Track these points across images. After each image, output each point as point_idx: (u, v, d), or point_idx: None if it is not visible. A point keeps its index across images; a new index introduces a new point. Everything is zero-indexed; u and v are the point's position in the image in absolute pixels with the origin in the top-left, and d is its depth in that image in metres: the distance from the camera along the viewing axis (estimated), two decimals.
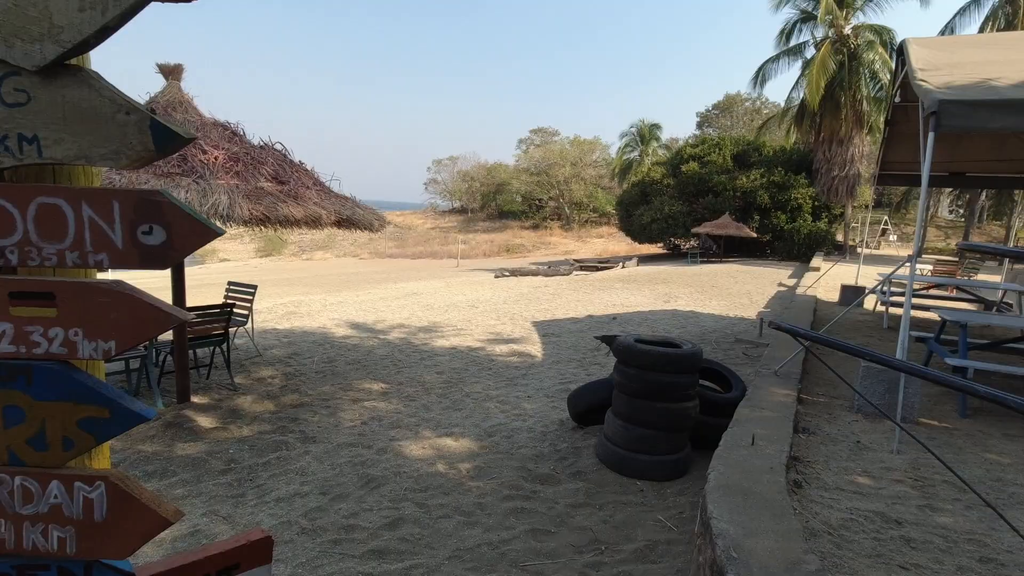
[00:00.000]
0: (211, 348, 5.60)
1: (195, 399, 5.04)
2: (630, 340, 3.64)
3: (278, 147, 5.13)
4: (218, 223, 4.39)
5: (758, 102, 50.16)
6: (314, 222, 4.77)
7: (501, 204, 54.55)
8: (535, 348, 7.62)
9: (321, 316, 9.68)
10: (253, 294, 6.63)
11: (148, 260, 0.92)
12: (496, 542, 2.96)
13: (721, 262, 22.56)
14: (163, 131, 0.88)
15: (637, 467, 3.56)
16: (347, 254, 39.60)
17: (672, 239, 29.11)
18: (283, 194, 4.74)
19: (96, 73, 0.89)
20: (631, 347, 3.58)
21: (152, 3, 0.85)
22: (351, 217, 4.86)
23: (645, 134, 44.80)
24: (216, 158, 4.59)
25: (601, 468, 3.72)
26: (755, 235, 24.38)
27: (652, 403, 3.53)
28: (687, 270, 19.26)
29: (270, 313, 9.83)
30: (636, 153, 44.85)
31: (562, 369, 6.50)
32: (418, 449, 4.17)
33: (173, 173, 4.35)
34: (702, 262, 22.78)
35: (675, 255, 29.05)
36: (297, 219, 4.71)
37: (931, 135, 3.94)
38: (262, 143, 5.08)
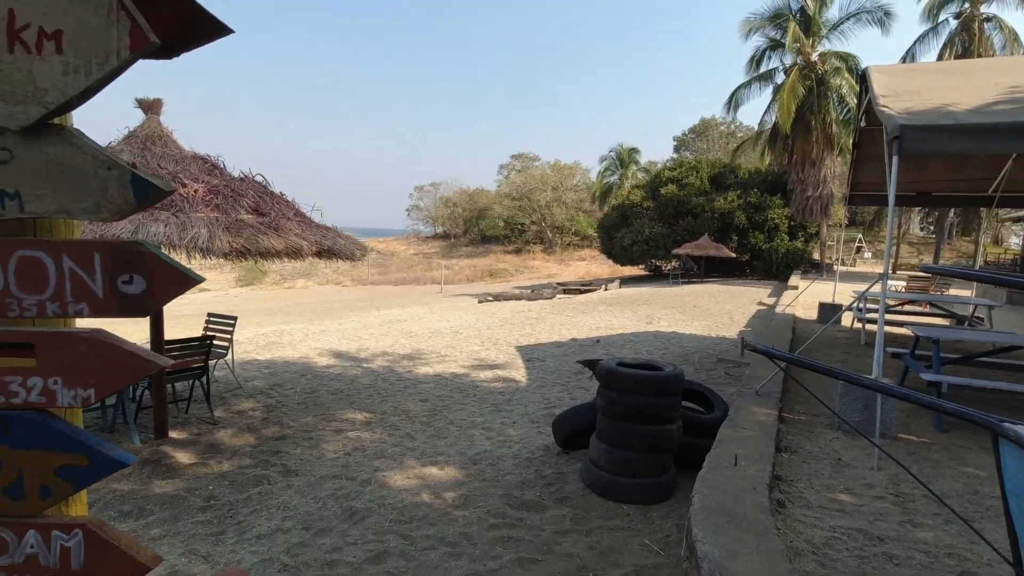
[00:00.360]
0: (190, 381, 5.51)
1: (173, 434, 4.94)
2: (612, 364, 3.67)
3: (258, 179, 5.15)
4: (198, 256, 4.37)
5: (732, 126, 51.52)
6: (295, 253, 4.77)
7: (484, 229, 54.94)
8: (519, 373, 7.62)
9: (303, 345, 9.58)
10: (233, 325, 6.56)
11: (128, 309, 0.94)
12: (482, 572, 2.94)
13: (702, 282, 22.83)
14: (144, 184, 0.91)
15: (622, 491, 3.56)
16: (329, 282, 39.38)
17: (653, 260, 29.46)
18: (263, 226, 4.74)
19: (78, 131, 0.92)
20: (613, 371, 3.61)
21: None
22: (332, 247, 4.87)
23: (624, 158, 45.35)
24: (196, 191, 4.59)
25: (587, 493, 3.72)
26: (734, 255, 24.81)
27: (635, 426, 3.55)
28: (669, 291, 19.47)
29: (251, 344, 9.71)
30: (616, 177, 45.28)
31: (546, 393, 6.50)
32: (402, 479, 4.13)
33: (151, 207, 4.34)
34: (683, 283, 22.87)
35: (657, 276, 29.34)
36: (278, 251, 4.71)
37: (895, 158, 4.11)
38: (242, 175, 5.10)
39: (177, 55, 0.94)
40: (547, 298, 20.36)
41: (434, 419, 5.61)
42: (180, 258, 4.37)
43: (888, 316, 7.45)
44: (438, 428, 5.32)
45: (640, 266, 30.86)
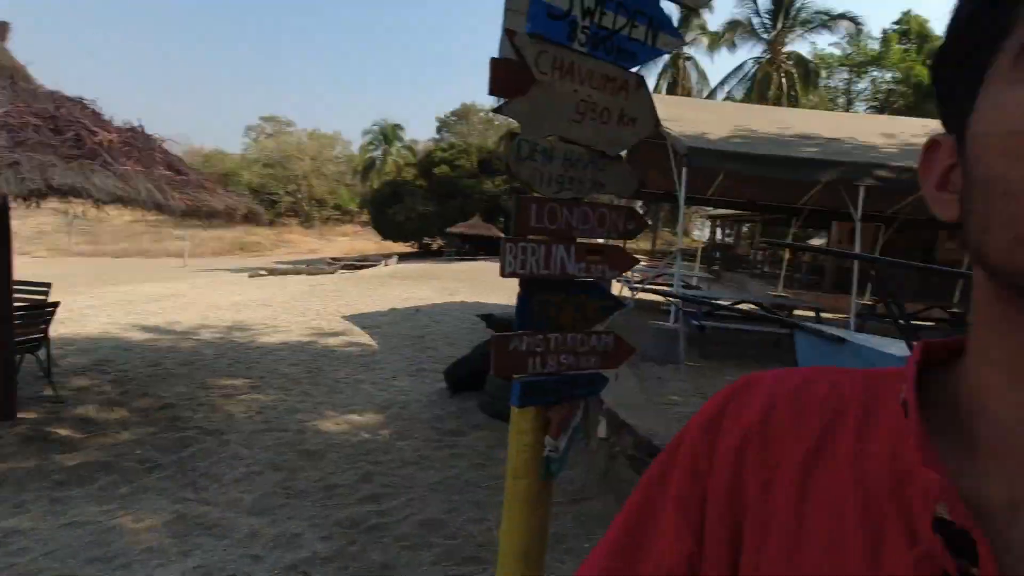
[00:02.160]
0: (20, 356, 4.38)
1: (22, 414, 4.23)
2: (505, 317, 4.25)
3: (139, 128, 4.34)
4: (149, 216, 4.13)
5: (491, 113, 39.31)
6: (230, 215, 4.39)
7: None
8: (364, 339, 7.62)
9: (90, 321, 8.06)
10: (47, 294, 5.28)
11: None
12: (452, 476, 3.64)
13: (474, 259, 22.77)
14: None
15: None
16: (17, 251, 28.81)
17: (426, 238, 30.52)
18: (192, 184, 4.17)
19: None
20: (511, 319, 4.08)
21: None
22: (253, 210, 4.72)
23: (389, 134, 44.02)
24: (110, 141, 3.85)
25: (491, 420, 4.47)
26: (502, 235, 21.34)
27: None
28: (449, 267, 19.59)
29: None
30: (379, 152, 44.29)
31: (405, 353, 6.81)
32: (334, 426, 4.45)
33: (72, 155, 3.59)
34: (456, 260, 23.48)
35: (427, 254, 29.41)
36: (218, 211, 4.26)
37: (684, 169, 5.78)
38: (127, 125, 4.26)
39: None
40: (329, 272, 19.66)
41: (318, 378, 5.73)
42: (126, 214, 4.28)
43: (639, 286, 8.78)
44: (330, 385, 5.51)
45: (411, 243, 31.17)
